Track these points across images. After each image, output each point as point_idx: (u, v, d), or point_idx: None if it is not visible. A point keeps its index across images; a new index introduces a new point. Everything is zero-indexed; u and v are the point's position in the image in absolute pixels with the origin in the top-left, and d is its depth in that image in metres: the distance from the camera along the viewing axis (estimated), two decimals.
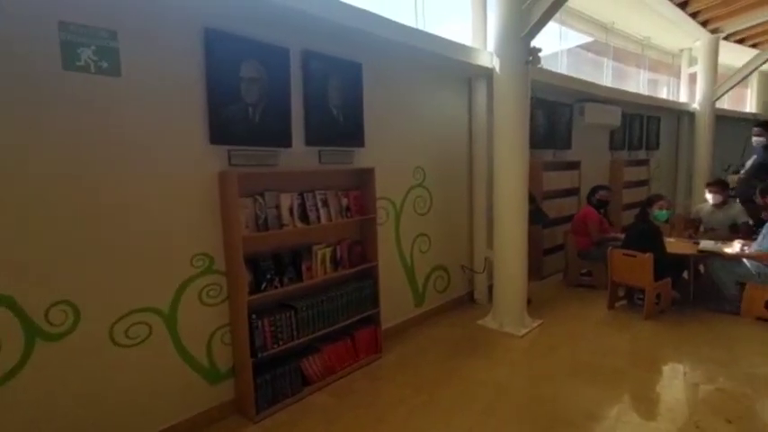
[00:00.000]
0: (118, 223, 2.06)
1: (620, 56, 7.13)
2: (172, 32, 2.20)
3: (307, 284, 2.73)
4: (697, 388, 2.62)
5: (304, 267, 2.71)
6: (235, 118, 2.40)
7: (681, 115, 7.86)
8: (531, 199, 4.28)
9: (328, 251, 2.88)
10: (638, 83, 7.30)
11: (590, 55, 6.39)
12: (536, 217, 4.15)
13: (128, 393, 2.13)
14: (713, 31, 6.93)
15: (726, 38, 7.20)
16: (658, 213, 3.97)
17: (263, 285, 2.49)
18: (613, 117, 6.05)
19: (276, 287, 2.56)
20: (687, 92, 7.85)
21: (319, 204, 2.80)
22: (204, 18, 2.27)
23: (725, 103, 8.98)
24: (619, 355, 3.08)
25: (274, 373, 2.53)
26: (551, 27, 5.48)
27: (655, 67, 7.83)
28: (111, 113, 2.01)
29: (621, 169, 6.47)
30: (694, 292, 4.11)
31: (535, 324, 3.67)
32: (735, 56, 7.66)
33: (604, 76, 6.45)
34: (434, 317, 3.92)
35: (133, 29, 2.05)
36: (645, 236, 3.84)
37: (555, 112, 5.37)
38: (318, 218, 2.79)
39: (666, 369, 2.87)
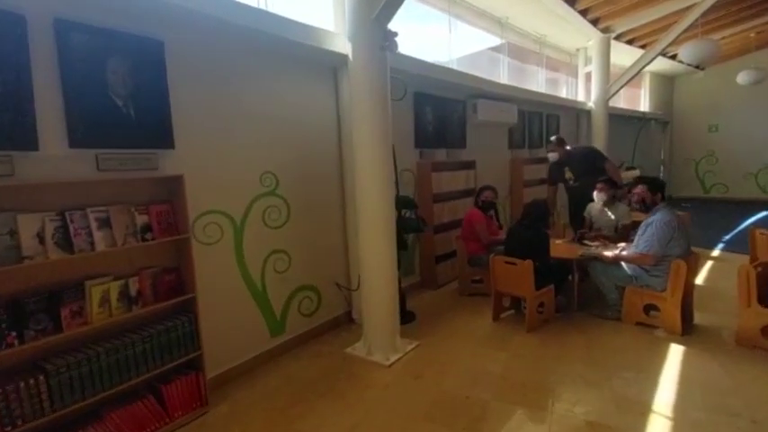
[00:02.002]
0: None
1: (520, 54, 7.06)
2: None
3: (74, 334, 2.03)
4: (562, 422, 2.28)
5: (67, 313, 2.01)
6: None
7: (579, 113, 7.99)
8: (414, 205, 3.88)
9: (115, 286, 2.20)
10: (538, 81, 7.28)
11: (486, 51, 6.18)
12: (414, 225, 3.73)
13: None
14: (604, 31, 7.04)
15: (617, 38, 7.37)
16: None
17: None
18: (509, 115, 5.87)
19: (11, 345, 1.84)
20: (584, 90, 8.00)
21: (94, 226, 2.11)
22: None
23: (621, 103, 9.36)
24: (489, 383, 2.70)
25: None
26: (440, 18, 5.16)
27: (555, 66, 7.90)
28: None
29: (521, 168, 6.33)
30: (581, 296, 3.92)
31: (410, 347, 3.23)
32: (629, 57, 7.90)
33: (501, 72, 6.28)
34: (299, 345, 3.35)
35: None
36: (532, 244, 3.55)
37: (446, 109, 5.04)
38: (92, 244, 2.09)
39: (535, 398, 2.52)
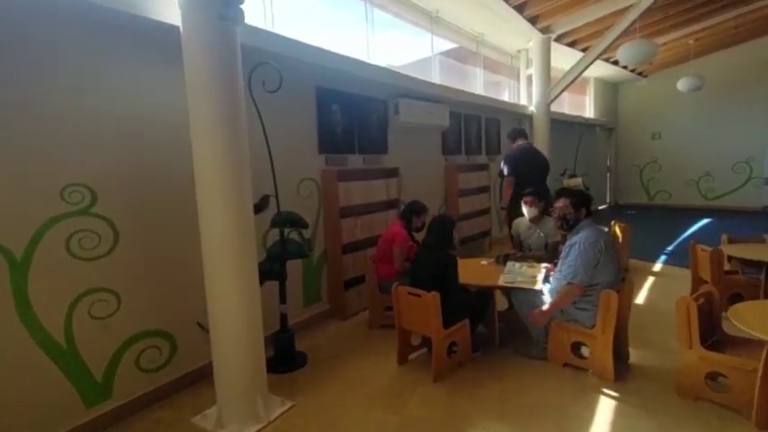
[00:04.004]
0: None
1: (459, 55, 6.57)
2: None
3: None
4: None
5: None
6: None
7: (521, 118, 7.56)
8: (302, 224, 3.15)
9: None
10: (477, 83, 6.79)
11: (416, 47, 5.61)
12: (296, 249, 3.00)
13: None
14: (543, 31, 6.64)
15: (557, 39, 7.00)
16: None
17: None
18: (439, 117, 5.28)
19: None
20: (526, 94, 7.60)
21: None
22: None
23: (566, 108, 9.07)
24: None
25: None
26: (357, 5, 4.51)
27: (496, 68, 7.47)
28: None
29: (456, 176, 5.75)
30: (507, 328, 3.33)
31: (280, 411, 2.48)
32: (573, 61, 7.54)
33: (432, 71, 5.70)
34: (135, 414, 2.52)
35: None
36: (437, 270, 2.90)
37: (361, 108, 4.38)
38: None
39: None
